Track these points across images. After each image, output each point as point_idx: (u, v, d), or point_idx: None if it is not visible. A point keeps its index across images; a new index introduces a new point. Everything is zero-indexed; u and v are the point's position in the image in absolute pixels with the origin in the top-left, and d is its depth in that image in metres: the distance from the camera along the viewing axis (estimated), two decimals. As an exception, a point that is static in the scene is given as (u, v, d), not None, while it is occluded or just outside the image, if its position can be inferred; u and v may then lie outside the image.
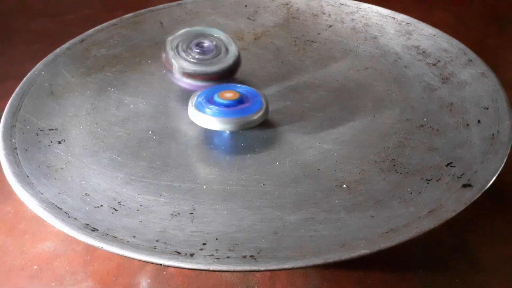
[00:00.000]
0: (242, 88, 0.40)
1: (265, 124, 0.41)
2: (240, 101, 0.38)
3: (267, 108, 0.39)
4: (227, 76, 0.43)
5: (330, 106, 0.43)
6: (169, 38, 0.43)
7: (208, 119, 0.37)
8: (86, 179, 0.35)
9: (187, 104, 0.43)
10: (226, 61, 0.42)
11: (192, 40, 0.43)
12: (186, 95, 0.42)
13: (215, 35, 0.44)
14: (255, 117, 0.38)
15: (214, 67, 0.42)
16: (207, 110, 0.37)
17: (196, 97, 0.39)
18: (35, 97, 0.42)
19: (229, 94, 0.38)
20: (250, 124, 0.38)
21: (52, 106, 0.42)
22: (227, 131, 0.40)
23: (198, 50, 0.43)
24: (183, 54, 0.42)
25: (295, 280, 0.38)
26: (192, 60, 0.42)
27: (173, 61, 0.42)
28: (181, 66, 0.42)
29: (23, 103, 0.41)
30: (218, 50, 0.43)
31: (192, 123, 0.41)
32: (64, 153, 0.38)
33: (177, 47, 0.43)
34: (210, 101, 0.38)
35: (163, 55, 0.43)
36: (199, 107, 0.38)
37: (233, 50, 0.43)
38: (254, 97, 0.39)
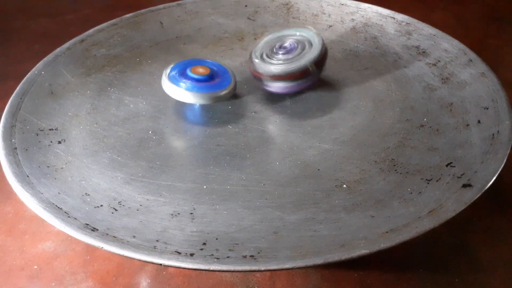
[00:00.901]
0: (210, 64, 0.43)
1: (266, 123, 0.41)
2: (211, 76, 0.41)
3: (235, 84, 0.42)
4: (316, 69, 0.42)
5: (330, 106, 0.43)
6: (252, 50, 0.44)
7: (182, 93, 0.40)
8: (86, 179, 0.35)
9: (187, 105, 0.43)
10: (312, 54, 0.42)
11: (274, 44, 0.43)
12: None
13: (297, 34, 0.44)
14: (225, 92, 0.41)
15: (301, 62, 0.41)
16: (182, 84, 0.40)
17: (169, 70, 0.41)
18: (35, 97, 0.42)
19: (201, 69, 0.41)
20: (221, 99, 0.41)
21: (52, 106, 0.42)
22: (197, 104, 0.42)
23: (282, 51, 0.42)
24: (268, 59, 0.42)
25: (295, 280, 0.38)
26: (278, 62, 0.42)
27: (260, 68, 0.42)
28: (268, 70, 0.41)
29: (23, 103, 0.41)
30: (302, 46, 0.42)
31: (192, 123, 0.41)
32: (64, 153, 0.38)
33: (261, 55, 0.43)
34: (183, 75, 0.41)
35: (249, 67, 0.43)
36: (173, 80, 0.40)
37: (316, 42, 0.42)
38: (223, 73, 0.42)
